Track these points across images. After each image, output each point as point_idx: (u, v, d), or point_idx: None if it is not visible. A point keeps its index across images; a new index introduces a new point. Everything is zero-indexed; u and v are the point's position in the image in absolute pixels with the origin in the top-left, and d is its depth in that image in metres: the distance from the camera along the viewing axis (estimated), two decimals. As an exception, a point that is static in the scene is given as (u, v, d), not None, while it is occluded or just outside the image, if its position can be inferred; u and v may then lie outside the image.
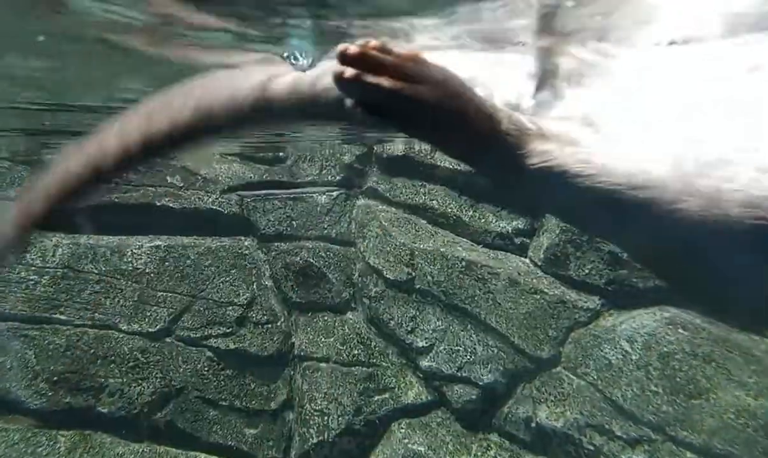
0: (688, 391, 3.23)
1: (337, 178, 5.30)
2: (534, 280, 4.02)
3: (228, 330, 5.03)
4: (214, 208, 5.13)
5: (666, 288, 3.40)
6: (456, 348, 4.38)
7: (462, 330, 4.37)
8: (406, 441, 4.48)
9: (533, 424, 3.93)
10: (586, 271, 3.73)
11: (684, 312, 3.33)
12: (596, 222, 1.10)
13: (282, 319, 5.10)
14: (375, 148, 5.04)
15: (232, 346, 4.97)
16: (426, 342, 4.55)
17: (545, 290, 3.93)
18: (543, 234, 4.03)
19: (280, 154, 5.47)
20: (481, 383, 4.22)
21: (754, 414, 3.03)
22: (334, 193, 5.30)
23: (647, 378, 3.38)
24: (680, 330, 3.31)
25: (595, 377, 3.61)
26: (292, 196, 5.36)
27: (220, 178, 5.20)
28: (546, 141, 1.00)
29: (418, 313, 4.64)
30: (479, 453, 4.20)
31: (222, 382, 4.95)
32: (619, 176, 0.95)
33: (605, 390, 3.56)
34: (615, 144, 1.01)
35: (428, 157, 4.66)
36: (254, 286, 5.15)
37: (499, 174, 1.11)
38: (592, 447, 3.58)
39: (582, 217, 1.13)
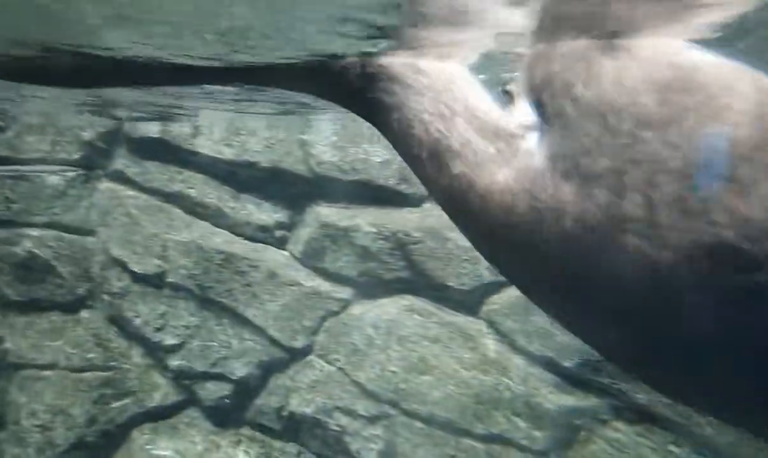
0: (420, 369, 3.75)
1: (75, 156, 4.69)
2: (292, 273, 4.18)
3: None
4: None
5: (406, 279, 3.88)
6: (209, 343, 4.28)
7: (217, 325, 4.29)
8: (150, 446, 4.20)
9: (285, 413, 4.07)
10: (341, 263, 4.03)
11: (419, 299, 3.85)
12: None
13: (-9, 322, 4.29)
14: (124, 126, 4.61)
15: None
16: (177, 340, 4.33)
17: (302, 282, 4.12)
18: (302, 227, 4.22)
19: (-2, 122, 4.61)
20: (234, 377, 4.21)
21: (468, 384, 3.67)
22: (70, 174, 4.67)
23: (387, 360, 3.82)
24: (415, 316, 3.82)
25: (344, 362, 3.93)
26: (12, 174, 4.57)
27: None
28: None
29: (169, 309, 4.39)
30: (229, 449, 4.17)
31: None
32: None
33: (352, 374, 3.90)
34: None
35: (187, 141, 4.46)
36: (-49, 283, 4.24)
37: None
38: (338, 428, 3.88)
39: None
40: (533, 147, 1.15)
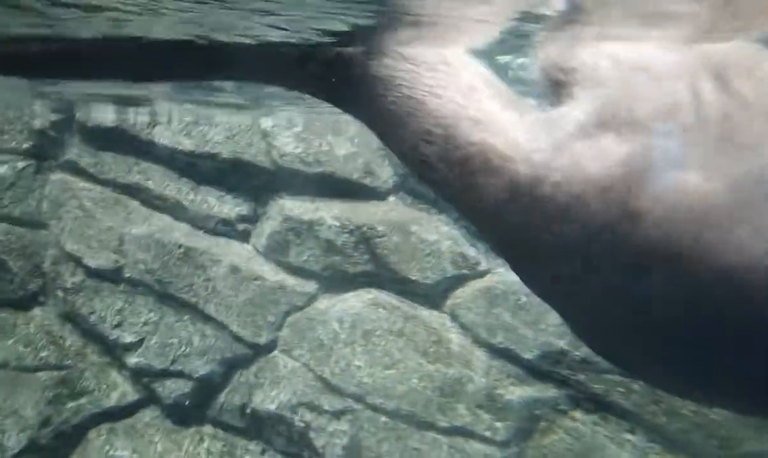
0: (384, 363, 3.79)
1: (24, 146, 4.53)
2: (255, 267, 4.14)
3: None
4: None
5: (370, 273, 3.90)
6: (170, 340, 4.21)
7: (177, 322, 4.23)
8: (107, 448, 4.12)
9: (248, 410, 4.06)
10: (305, 257, 4.02)
11: (384, 293, 3.88)
12: None
13: (-66, 321, 4.13)
14: (77, 114, 4.46)
15: None
16: (135, 337, 4.25)
17: (266, 276, 4.09)
18: (266, 221, 4.18)
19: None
20: (196, 375, 4.16)
21: (432, 378, 3.73)
22: (20, 164, 4.51)
23: (352, 355, 3.84)
24: (380, 310, 3.85)
25: (309, 357, 3.93)
26: (-45, 164, 4.40)
27: None
28: None
29: (126, 305, 4.29)
30: (191, 448, 4.13)
31: None
32: None
33: (316, 369, 3.90)
34: None
35: (144, 131, 4.34)
36: None
37: None
38: (302, 424, 3.88)
39: None
40: (561, 108, 1.19)
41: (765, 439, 3.04)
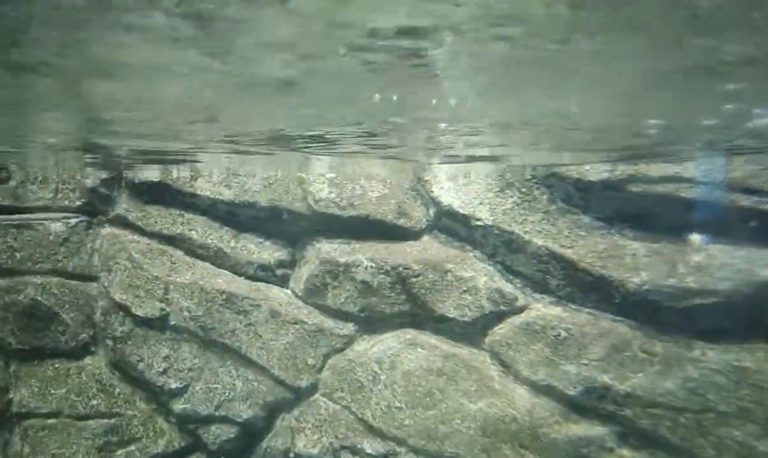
0: (425, 403, 3.85)
1: (77, 203, 4.90)
2: (295, 311, 4.31)
3: None
4: None
5: (407, 312, 4.00)
6: (214, 386, 4.39)
7: (221, 367, 4.41)
8: (155, 494, 4.28)
9: (291, 455, 4.16)
10: (342, 299, 4.17)
11: (421, 333, 3.97)
12: None
13: (-5, 372, 4.44)
14: (125, 173, 4.82)
15: None
16: (180, 383, 4.45)
17: (305, 320, 4.25)
18: (303, 265, 4.37)
19: (1, 173, 4.83)
20: (240, 420, 4.31)
21: (474, 417, 3.76)
22: (72, 221, 4.87)
23: (393, 396, 3.91)
24: (419, 350, 3.93)
25: (349, 400, 4.03)
26: (15, 222, 4.77)
27: None
28: None
29: (171, 352, 4.52)
30: (236, 493, 4.25)
31: None
32: None
33: (357, 412, 3.99)
34: None
35: (187, 184, 4.65)
36: (-46, 334, 4.39)
37: None
38: (345, 468, 3.95)
39: None
40: None
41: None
